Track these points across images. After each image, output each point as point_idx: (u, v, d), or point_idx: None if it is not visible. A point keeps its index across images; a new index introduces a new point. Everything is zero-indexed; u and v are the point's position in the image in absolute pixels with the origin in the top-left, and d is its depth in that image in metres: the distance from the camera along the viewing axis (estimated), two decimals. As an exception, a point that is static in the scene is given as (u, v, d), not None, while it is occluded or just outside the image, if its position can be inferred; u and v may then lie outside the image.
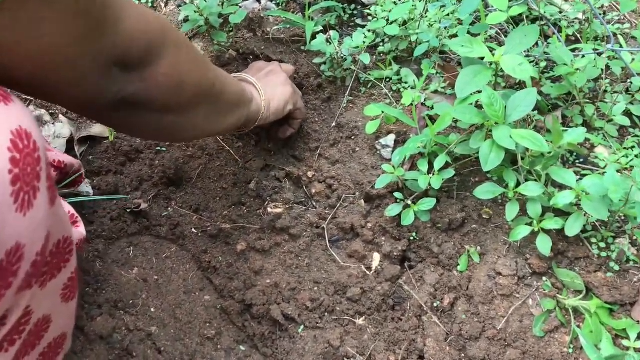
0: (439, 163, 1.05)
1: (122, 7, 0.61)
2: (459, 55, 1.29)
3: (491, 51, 1.04)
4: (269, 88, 1.05)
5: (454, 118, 1.07)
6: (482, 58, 1.04)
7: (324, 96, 1.26)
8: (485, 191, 1.03)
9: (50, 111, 1.32)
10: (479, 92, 1.02)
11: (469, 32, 1.17)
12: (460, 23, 1.25)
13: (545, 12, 1.32)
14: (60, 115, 1.31)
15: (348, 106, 1.25)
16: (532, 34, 1.06)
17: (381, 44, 1.30)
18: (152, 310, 1.05)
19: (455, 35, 1.24)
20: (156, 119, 0.74)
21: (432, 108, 1.20)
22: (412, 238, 1.09)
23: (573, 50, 1.20)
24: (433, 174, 1.05)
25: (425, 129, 1.13)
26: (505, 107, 1.01)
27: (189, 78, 0.75)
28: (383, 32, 1.29)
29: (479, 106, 1.04)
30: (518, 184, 1.03)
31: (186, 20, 1.37)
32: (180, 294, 1.08)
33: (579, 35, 1.36)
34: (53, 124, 1.30)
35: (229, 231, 1.13)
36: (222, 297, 1.08)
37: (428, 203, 1.04)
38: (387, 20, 1.27)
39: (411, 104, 1.16)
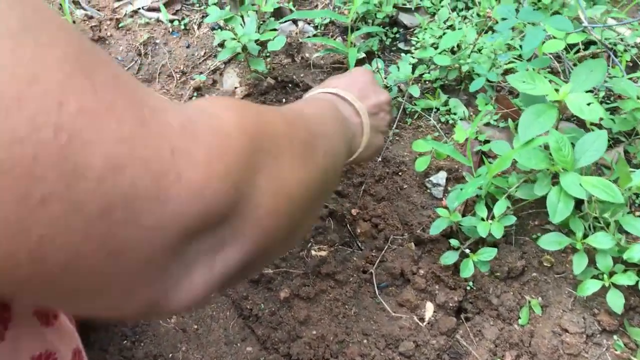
0: (499, 209, 0.97)
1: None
2: (509, 84, 1.21)
3: (555, 88, 0.97)
4: (373, 132, 0.83)
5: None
6: (547, 95, 0.97)
7: (368, 128, 1.19)
8: (550, 241, 0.95)
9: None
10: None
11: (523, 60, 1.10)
12: (517, 56, 1.17)
13: (603, 38, 1.24)
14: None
15: (394, 139, 1.18)
16: (599, 70, 0.98)
17: (427, 71, 1.22)
18: (193, 364, 0.99)
19: (510, 68, 1.17)
20: (266, 259, 0.54)
21: (485, 142, 1.13)
22: (468, 287, 1.02)
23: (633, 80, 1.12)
24: (492, 220, 0.98)
25: (480, 168, 1.06)
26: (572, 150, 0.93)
27: (299, 189, 0.45)
28: (428, 58, 1.22)
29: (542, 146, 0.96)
30: (585, 235, 0.96)
31: (222, 45, 1.30)
32: (221, 345, 1.02)
33: (637, 60, 1.28)
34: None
35: (271, 276, 1.06)
36: (265, 348, 1.01)
37: (489, 253, 0.97)
38: (435, 47, 1.20)
39: (465, 141, 1.08)
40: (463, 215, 1.04)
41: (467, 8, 1.34)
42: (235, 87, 1.27)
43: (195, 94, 1.28)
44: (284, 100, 1.24)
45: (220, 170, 0.34)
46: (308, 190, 0.47)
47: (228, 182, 0.35)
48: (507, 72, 1.19)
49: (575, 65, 1.25)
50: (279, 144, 0.44)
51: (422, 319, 1.02)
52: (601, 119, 1.14)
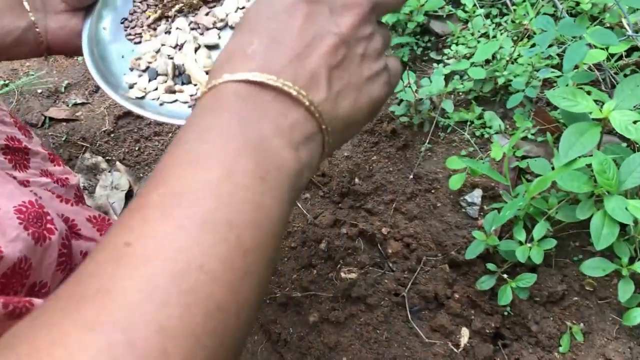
0: (538, 233, 0.92)
1: None
2: (546, 95, 1.16)
3: (597, 105, 0.91)
4: (345, 99, 0.40)
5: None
6: (589, 113, 0.92)
7: (399, 143, 1.15)
8: (594, 267, 0.90)
9: (107, 158, 1.25)
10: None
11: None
12: (558, 70, 1.11)
13: (647, 45, 1.17)
14: (118, 163, 1.24)
15: (426, 154, 1.14)
16: (646, 83, 0.92)
17: (460, 83, 1.18)
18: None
19: (549, 82, 1.11)
20: None
21: (523, 158, 1.08)
22: (506, 313, 0.97)
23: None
24: (532, 244, 0.93)
25: (518, 187, 1.01)
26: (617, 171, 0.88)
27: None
28: (462, 70, 1.17)
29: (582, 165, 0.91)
30: (631, 258, 0.90)
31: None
32: (248, 371, 0.99)
33: (684, 68, 1.21)
34: (110, 172, 1.23)
35: (300, 299, 1.03)
36: (294, 375, 0.99)
37: (528, 279, 0.93)
38: (469, 58, 1.15)
39: (502, 158, 1.04)
40: (500, 237, 0.99)
41: (502, 14, 1.29)
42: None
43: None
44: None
45: None
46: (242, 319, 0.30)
47: None
48: (545, 82, 1.14)
49: (616, 73, 1.19)
50: None
51: (457, 346, 0.98)
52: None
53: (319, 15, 0.39)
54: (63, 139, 1.27)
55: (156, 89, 0.63)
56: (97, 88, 1.34)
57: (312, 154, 0.38)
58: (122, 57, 0.67)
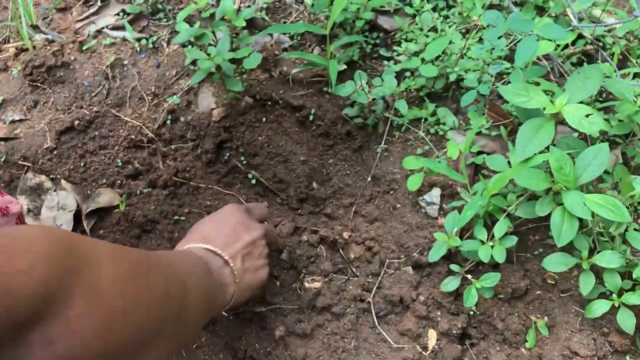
0: (499, 231, 0.93)
1: None
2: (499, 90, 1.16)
3: (550, 99, 0.92)
4: (248, 274, 0.83)
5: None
6: (543, 108, 0.92)
7: (354, 145, 1.13)
8: (555, 262, 0.91)
9: (51, 176, 1.19)
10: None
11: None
12: (509, 62, 1.11)
13: (594, 36, 1.19)
14: (63, 181, 1.19)
15: (382, 155, 1.13)
16: (595, 76, 0.93)
17: (412, 79, 1.16)
18: (188, 416, 0.94)
19: (501, 74, 1.11)
20: None
21: (479, 153, 1.08)
22: (471, 312, 0.97)
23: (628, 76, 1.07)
24: (493, 243, 0.93)
25: (476, 184, 1.01)
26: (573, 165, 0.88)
27: (120, 301, 0.45)
28: (412, 67, 1.15)
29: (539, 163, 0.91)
30: (590, 250, 0.92)
31: (194, 63, 1.23)
32: (216, 392, 0.97)
33: (627, 54, 1.23)
34: (55, 191, 1.17)
35: (265, 313, 1.01)
36: (263, 391, 0.96)
37: (492, 278, 0.93)
38: (419, 55, 1.14)
39: (458, 157, 1.03)
40: (461, 235, 0.99)
41: (448, 7, 1.28)
42: (212, 109, 1.21)
43: (169, 117, 1.21)
44: (263, 119, 1.17)
45: (22, 265, 0.36)
46: (134, 306, 0.46)
47: (33, 277, 0.36)
48: (497, 75, 1.14)
49: (563, 62, 1.20)
50: (96, 256, 0.44)
51: (425, 348, 0.97)
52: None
53: (244, 225, 0.86)
54: (2, 159, 1.20)
55: None
56: (35, 103, 1.27)
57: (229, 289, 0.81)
58: None
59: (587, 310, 0.91)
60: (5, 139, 1.24)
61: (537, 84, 1.03)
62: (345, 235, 1.08)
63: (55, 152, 1.22)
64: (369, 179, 1.10)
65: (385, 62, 1.21)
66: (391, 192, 1.09)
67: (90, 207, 1.12)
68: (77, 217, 1.15)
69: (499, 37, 1.01)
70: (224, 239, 0.81)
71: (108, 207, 1.14)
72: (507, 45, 1.13)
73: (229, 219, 0.84)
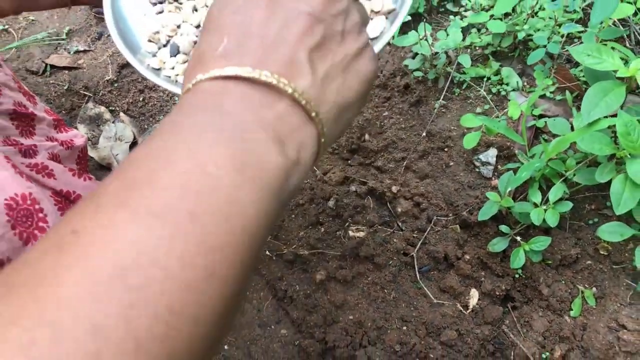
0: (554, 195, 0.90)
1: None
2: (569, 52, 1.11)
3: (623, 61, 0.87)
4: (333, 84, 0.36)
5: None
6: (614, 71, 0.87)
7: (412, 99, 1.11)
8: (611, 232, 0.88)
9: (111, 108, 1.22)
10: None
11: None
12: (582, 26, 1.06)
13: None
14: (122, 114, 1.21)
15: (440, 111, 1.10)
16: (676, 41, 0.88)
17: (477, 36, 1.13)
18: (226, 347, 0.96)
19: (570, 38, 1.06)
20: None
21: (540, 117, 1.04)
22: (517, 275, 0.95)
23: None
24: (547, 206, 0.90)
25: (534, 147, 0.98)
26: (642, 132, 0.84)
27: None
28: (480, 23, 1.12)
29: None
30: (650, 223, 0.88)
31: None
32: (255, 327, 0.98)
33: None
34: (113, 122, 1.20)
35: (307, 257, 1.02)
36: (300, 332, 0.98)
37: (542, 242, 0.90)
38: (487, 11, 1.10)
39: (519, 117, 1.00)
40: (513, 198, 0.96)
41: (523, -35, 1.22)
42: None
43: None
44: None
45: None
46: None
47: None
48: (566, 39, 1.09)
49: (642, 30, 1.14)
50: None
51: (465, 307, 0.96)
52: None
53: None
54: (65, 87, 1.23)
55: (173, 67, 0.60)
56: (100, 35, 1.30)
57: (303, 149, 0.33)
58: (144, 14, 0.64)
59: (639, 284, 0.87)
60: (69, 68, 1.26)
61: (613, 49, 0.98)
62: (394, 189, 1.07)
63: (115, 84, 1.25)
64: (424, 134, 1.08)
65: (452, 17, 1.18)
66: (445, 149, 1.07)
67: (147, 137, 1.14)
68: (133, 149, 1.17)
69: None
70: (259, 41, 0.34)
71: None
72: (581, 7, 1.08)
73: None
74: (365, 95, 0.39)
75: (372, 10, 0.60)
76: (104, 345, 0.22)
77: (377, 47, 0.54)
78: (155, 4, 0.65)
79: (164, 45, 0.62)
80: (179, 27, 0.63)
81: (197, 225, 0.26)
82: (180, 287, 0.25)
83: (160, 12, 0.64)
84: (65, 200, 0.72)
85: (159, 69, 0.60)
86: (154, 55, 0.61)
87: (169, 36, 0.62)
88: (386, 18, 0.58)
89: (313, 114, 0.33)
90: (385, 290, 0.99)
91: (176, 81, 0.59)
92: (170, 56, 0.61)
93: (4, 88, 0.75)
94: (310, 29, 0.34)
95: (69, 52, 1.29)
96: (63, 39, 1.30)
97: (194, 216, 0.26)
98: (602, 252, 0.95)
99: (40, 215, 0.62)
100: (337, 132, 0.37)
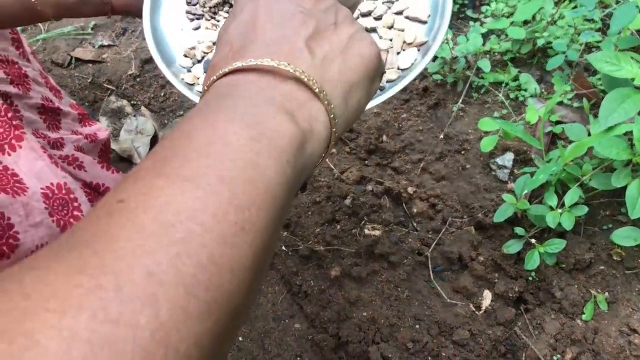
0: (570, 198, 0.91)
1: None
2: (585, 61, 1.12)
3: (644, 70, 0.88)
4: (335, 65, 0.39)
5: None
6: (632, 79, 0.89)
7: (430, 102, 1.13)
8: (625, 236, 0.89)
9: (132, 102, 1.24)
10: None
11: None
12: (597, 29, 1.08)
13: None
14: (143, 108, 1.23)
15: (457, 114, 1.12)
16: (695, 51, 0.89)
17: (497, 42, 1.14)
18: (240, 339, 0.97)
19: (590, 48, 1.08)
20: None
21: (557, 123, 1.06)
22: (530, 278, 0.96)
23: None
24: (563, 210, 0.91)
25: (551, 152, 0.99)
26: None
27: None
28: (499, 29, 1.13)
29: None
30: (665, 229, 0.89)
31: None
32: (269, 320, 1.00)
33: None
34: (135, 116, 1.22)
35: (322, 253, 1.03)
36: (313, 326, 0.99)
37: (557, 245, 0.91)
38: (508, 17, 1.11)
39: (536, 122, 1.01)
40: (529, 202, 0.98)
41: (544, -26, 1.24)
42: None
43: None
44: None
45: None
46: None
47: None
48: (585, 48, 1.10)
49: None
50: None
51: (478, 308, 0.97)
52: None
53: (280, 3, 0.41)
54: (89, 80, 1.25)
55: None
56: (124, 31, 1.32)
57: (314, 121, 0.36)
58: (182, 29, 0.66)
59: (652, 289, 0.88)
60: (93, 62, 1.29)
61: (630, 57, 0.99)
62: (410, 190, 1.08)
63: (138, 79, 1.27)
64: (441, 136, 1.10)
65: (472, 23, 1.20)
66: (462, 152, 1.08)
67: (167, 132, 1.15)
68: (154, 142, 1.19)
69: (594, 7, 0.98)
70: (260, 41, 0.39)
71: (183, 135, 1.17)
72: (600, 17, 1.10)
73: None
74: (370, 77, 0.42)
75: (404, 42, 0.61)
76: (159, 289, 0.25)
77: (408, 79, 0.56)
78: (192, 20, 0.67)
79: (199, 61, 0.65)
80: (214, 44, 0.65)
81: (225, 187, 0.29)
82: (217, 240, 0.28)
83: (197, 29, 0.67)
84: (95, 193, 0.74)
85: (192, 84, 0.63)
86: (189, 71, 0.64)
87: (205, 52, 0.65)
88: (418, 50, 0.59)
89: (317, 90, 0.36)
90: (399, 289, 1.00)
91: None
92: (204, 72, 0.64)
93: (33, 83, 0.77)
94: (304, 23, 0.39)
95: (94, 46, 1.31)
96: (89, 34, 1.33)
97: (222, 179, 0.29)
98: (615, 258, 0.96)
99: (75, 204, 0.64)
100: (348, 113, 0.40)
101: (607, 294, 0.94)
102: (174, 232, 0.27)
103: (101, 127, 0.93)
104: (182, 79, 0.62)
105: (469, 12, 1.22)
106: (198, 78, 0.63)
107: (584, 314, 0.93)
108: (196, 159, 0.30)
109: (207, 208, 0.28)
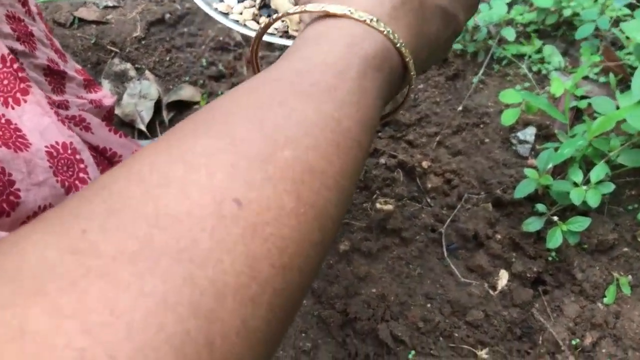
0: (597, 175, 0.86)
1: None
2: (612, 35, 1.07)
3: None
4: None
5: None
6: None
7: (449, 72, 1.07)
8: (654, 216, 0.84)
9: (136, 65, 1.19)
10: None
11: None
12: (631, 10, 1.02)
13: None
14: (147, 72, 1.18)
15: (477, 86, 1.06)
16: None
17: (522, 9, 1.08)
18: (242, 312, 0.93)
19: (617, 17, 1.02)
20: None
21: (582, 98, 1.00)
22: (550, 258, 0.92)
23: None
24: (588, 186, 0.86)
25: (575, 127, 0.94)
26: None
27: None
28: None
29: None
30: (696, 210, 0.84)
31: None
32: (273, 295, 0.95)
33: None
34: (139, 80, 1.17)
35: (332, 226, 0.98)
36: (320, 302, 0.94)
37: (581, 223, 0.86)
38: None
39: (562, 95, 0.96)
40: (552, 178, 0.93)
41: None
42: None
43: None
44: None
45: None
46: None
47: None
48: (615, 23, 1.05)
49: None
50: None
51: (494, 288, 0.93)
52: None
53: None
54: (92, 41, 1.20)
55: (241, 13, 0.64)
56: (130, -9, 1.27)
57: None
58: None
59: (681, 272, 0.84)
60: (97, 22, 1.24)
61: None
62: (425, 164, 1.03)
63: (143, 42, 1.22)
64: (460, 109, 1.04)
65: (495, -8, 1.14)
66: (481, 125, 1.03)
67: (172, 98, 1.11)
68: (157, 108, 1.14)
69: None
70: None
71: (189, 101, 1.12)
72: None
73: None
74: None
75: None
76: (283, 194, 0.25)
77: None
78: None
79: None
80: None
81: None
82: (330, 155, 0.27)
83: None
84: (101, 157, 0.70)
85: (226, 13, 0.64)
86: (221, 0, 0.65)
87: None
88: None
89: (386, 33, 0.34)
90: (411, 266, 0.96)
91: (244, 25, 0.62)
92: (238, 2, 0.64)
93: (39, 43, 0.73)
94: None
95: (98, 7, 1.26)
96: (92, -6, 1.28)
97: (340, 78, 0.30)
98: (640, 240, 0.91)
99: (82, 166, 0.60)
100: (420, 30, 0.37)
101: (630, 277, 0.89)
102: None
103: (107, 94, 0.89)
104: (216, 8, 0.62)
105: (492, -18, 1.16)
106: (232, 7, 0.63)
107: (606, 297, 0.88)
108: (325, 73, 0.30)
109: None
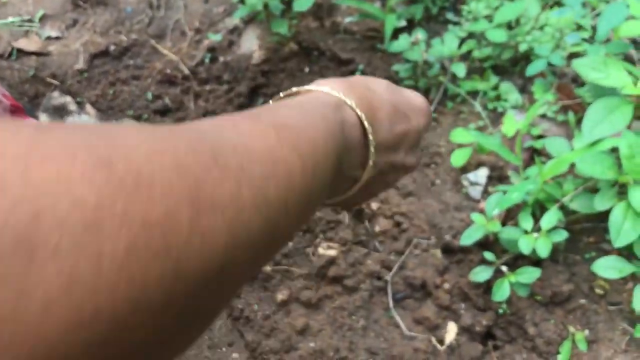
0: (548, 222, 0.79)
1: None
2: (572, 71, 1.02)
3: (633, 80, 0.78)
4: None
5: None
6: (621, 88, 0.78)
7: (400, 109, 1.02)
8: (608, 267, 0.77)
9: (77, 99, 1.13)
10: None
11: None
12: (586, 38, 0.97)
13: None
14: (88, 105, 1.12)
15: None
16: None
17: (477, 47, 1.04)
18: (167, 369, 0.85)
19: (576, 53, 0.97)
20: None
21: (539, 138, 0.95)
22: (501, 310, 0.85)
23: None
24: (539, 234, 0.80)
25: (530, 169, 0.88)
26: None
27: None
28: (480, 32, 1.03)
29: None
30: (654, 261, 0.78)
31: (242, 1, 1.14)
32: (203, 349, 0.88)
33: None
34: (79, 114, 1.11)
35: (269, 273, 0.92)
36: (253, 357, 0.87)
37: (530, 274, 0.80)
38: (490, 20, 1.01)
39: (515, 135, 0.91)
40: (503, 224, 0.86)
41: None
42: (253, 51, 1.11)
43: (209, 55, 1.13)
44: (306, 69, 1.07)
45: None
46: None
47: None
48: (571, 56, 1.00)
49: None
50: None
51: (441, 342, 0.86)
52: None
53: (406, 105, 0.41)
54: (31, 74, 1.14)
55: None
56: (74, 22, 1.21)
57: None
58: None
59: (637, 329, 0.77)
60: (37, 54, 1.18)
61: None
62: (374, 206, 0.97)
63: (85, 74, 1.16)
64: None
65: (451, 27, 1.09)
66: (432, 165, 0.98)
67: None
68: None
69: (582, 17, 0.88)
70: (372, 102, 0.38)
71: (127, 136, 1.06)
72: (592, 25, 0.99)
73: (382, 88, 0.41)
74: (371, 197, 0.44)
75: None
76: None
77: None
78: None
79: None
80: None
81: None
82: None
83: None
84: None
85: None
86: None
87: None
88: None
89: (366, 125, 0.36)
90: (354, 317, 0.89)
91: None
92: None
93: None
94: (402, 133, 0.40)
95: (40, 37, 1.21)
96: (36, 24, 1.22)
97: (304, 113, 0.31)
98: (597, 291, 0.85)
99: None
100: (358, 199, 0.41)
101: (587, 331, 0.83)
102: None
103: (35, 123, 0.82)
104: None
105: (449, 15, 1.12)
106: None
107: (560, 354, 0.82)
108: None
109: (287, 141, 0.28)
